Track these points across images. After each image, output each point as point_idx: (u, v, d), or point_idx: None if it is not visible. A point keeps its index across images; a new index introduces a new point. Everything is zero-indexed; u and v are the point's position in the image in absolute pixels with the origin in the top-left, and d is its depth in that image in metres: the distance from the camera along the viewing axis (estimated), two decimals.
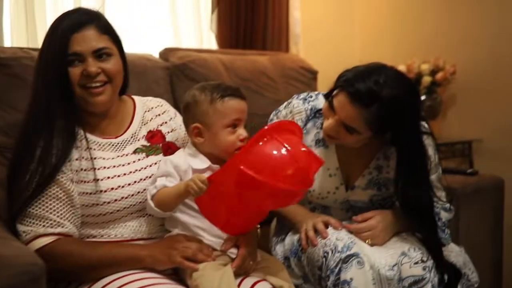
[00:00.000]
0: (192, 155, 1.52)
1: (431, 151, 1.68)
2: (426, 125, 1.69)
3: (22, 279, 1.17)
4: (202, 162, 1.51)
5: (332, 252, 1.57)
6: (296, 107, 1.77)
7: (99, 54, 1.48)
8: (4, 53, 1.89)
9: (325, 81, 2.65)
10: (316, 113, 1.76)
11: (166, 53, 2.47)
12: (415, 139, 1.62)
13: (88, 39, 1.48)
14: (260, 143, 1.37)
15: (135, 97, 1.72)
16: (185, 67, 2.39)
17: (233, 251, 1.51)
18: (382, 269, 1.56)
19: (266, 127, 1.40)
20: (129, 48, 1.67)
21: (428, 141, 1.68)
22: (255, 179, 1.31)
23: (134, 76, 1.88)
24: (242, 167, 1.33)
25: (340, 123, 1.58)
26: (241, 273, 1.49)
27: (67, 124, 1.49)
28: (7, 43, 2.41)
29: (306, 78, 2.80)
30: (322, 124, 1.71)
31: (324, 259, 1.57)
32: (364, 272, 1.54)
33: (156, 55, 2.47)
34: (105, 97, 1.52)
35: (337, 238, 1.60)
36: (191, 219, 1.49)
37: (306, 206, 1.83)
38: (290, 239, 1.76)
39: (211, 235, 1.50)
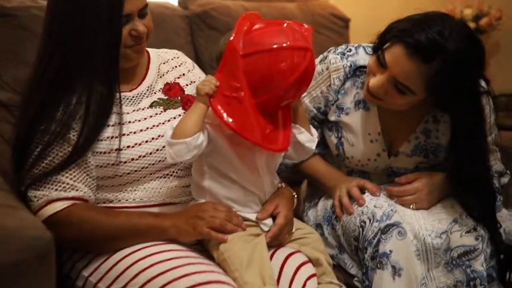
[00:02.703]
0: None
1: (487, 110, 1.58)
2: (484, 84, 1.58)
3: (27, 255, 1.08)
4: None
5: (369, 221, 1.51)
6: (333, 64, 1.66)
7: (142, 13, 1.43)
8: (9, 2, 1.80)
9: (358, 30, 2.70)
10: (356, 71, 1.65)
11: (185, 1, 2.39)
12: (474, 101, 1.50)
13: None
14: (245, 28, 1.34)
15: (149, 49, 1.63)
16: (206, 15, 2.31)
17: (266, 222, 1.43)
18: (428, 237, 1.49)
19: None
20: None
21: (485, 100, 1.57)
22: (259, 51, 1.27)
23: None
24: (240, 45, 1.29)
25: (391, 81, 1.46)
26: (274, 245, 1.42)
27: (109, 91, 1.42)
28: None
29: (337, 26, 2.71)
30: (362, 83, 1.62)
31: (361, 229, 1.52)
32: (406, 243, 1.47)
33: (175, 2, 2.40)
34: (143, 50, 1.49)
35: (375, 205, 1.54)
36: (221, 189, 1.40)
37: (342, 169, 1.76)
38: (323, 204, 1.71)
39: (244, 206, 1.42)
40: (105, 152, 1.42)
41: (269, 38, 1.30)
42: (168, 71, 1.62)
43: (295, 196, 1.55)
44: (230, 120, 1.29)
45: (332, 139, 1.71)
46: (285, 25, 1.34)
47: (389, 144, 1.67)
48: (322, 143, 1.75)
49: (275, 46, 1.28)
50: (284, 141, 1.34)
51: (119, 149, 1.41)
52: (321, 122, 1.73)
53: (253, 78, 1.29)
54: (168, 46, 1.75)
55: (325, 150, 1.77)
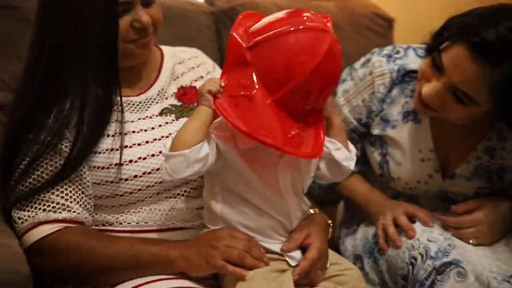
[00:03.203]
0: None
1: None
2: None
3: None
4: None
5: (422, 258, 1.36)
6: (378, 67, 1.52)
7: (147, 0, 1.30)
8: None
9: (402, 31, 2.54)
10: (404, 76, 1.51)
11: None
12: None
13: None
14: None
15: (164, 47, 1.52)
16: (233, 12, 2.14)
17: (294, 255, 1.25)
18: (493, 280, 1.35)
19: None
20: None
21: None
22: (267, 38, 1.14)
23: (171, 23, 1.79)
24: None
25: (449, 88, 1.32)
26: (304, 284, 1.25)
27: (106, 95, 1.30)
28: None
29: (380, 27, 2.54)
30: (412, 91, 1.49)
31: (410, 266, 1.38)
32: (466, 287, 1.33)
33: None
34: (151, 46, 1.36)
35: (429, 238, 1.39)
36: (237, 215, 1.24)
37: (387, 191, 1.62)
38: (364, 232, 1.59)
39: (265, 236, 1.25)
40: (103, 167, 1.29)
41: (279, 23, 1.16)
42: (184, 72, 1.49)
43: (331, 224, 1.40)
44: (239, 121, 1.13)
45: (375, 156, 1.57)
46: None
47: (443, 164, 1.53)
48: (363, 160, 1.63)
49: (286, 29, 1.13)
50: (315, 147, 1.17)
51: (119, 164, 1.28)
52: (362, 136, 1.60)
53: (264, 71, 1.14)
54: (190, 45, 1.65)
55: (366, 168, 1.65)
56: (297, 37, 1.13)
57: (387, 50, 1.55)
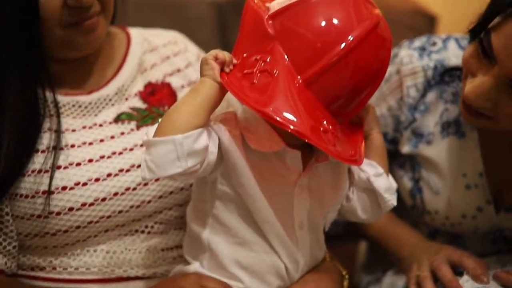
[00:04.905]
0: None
1: None
2: None
3: None
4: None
5: None
6: (408, 64, 1.31)
7: None
8: None
9: (447, 31, 2.39)
10: (444, 75, 1.29)
11: None
12: None
13: None
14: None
15: (133, 30, 1.30)
16: (240, 3, 1.97)
17: None
18: None
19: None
20: None
21: None
22: (295, 4, 0.96)
23: (166, 13, 1.72)
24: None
25: (505, 82, 1.07)
26: None
27: (30, 94, 1.08)
28: None
29: (421, 25, 2.37)
30: (454, 94, 1.29)
31: None
32: None
33: None
34: (100, 32, 1.13)
35: None
36: (229, 246, 1.03)
37: (421, 229, 1.42)
38: (391, 282, 1.40)
39: (259, 279, 1.04)
40: (27, 196, 1.05)
41: None
42: (155, 64, 1.25)
43: (346, 276, 1.18)
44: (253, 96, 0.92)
45: (405, 182, 1.36)
46: None
47: (497, 193, 1.31)
48: None
49: None
50: (356, 151, 0.99)
51: (49, 192, 1.04)
52: (389, 155, 1.36)
53: (292, 45, 0.95)
54: (189, 38, 1.49)
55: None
56: (334, 3, 0.95)
57: (420, 41, 1.34)
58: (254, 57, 0.95)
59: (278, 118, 0.86)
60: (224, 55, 0.94)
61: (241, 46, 0.98)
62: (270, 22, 0.95)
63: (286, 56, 0.95)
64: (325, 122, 0.94)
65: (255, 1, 0.99)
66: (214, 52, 0.94)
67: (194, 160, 0.89)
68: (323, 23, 0.93)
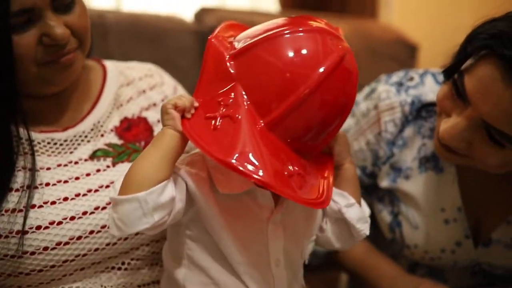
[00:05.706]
0: None
1: None
2: None
3: None
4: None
5: None
6: (385, 99, 1.30)
7: (62, 4, 1.05)
8: None
9: (426, 61, 2.36)
10: (420, 111, 1.29)
11: (201, 15, 2.07)
12: None
13: None
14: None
15: (109, 63, 1.27)
16: None
17: None
18: None
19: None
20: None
21: None
22: (258, 43, 0.93)
23: (147, 43, 1.70)
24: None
25: (478, 125, 1.07)
26: None
27: (4, 132, 1.06)
28: None
29: (402, 56, 2.42)
30: (431, 129, 1.28)
31: None
32: None
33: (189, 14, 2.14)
34: (76, 66, 1.10)
35: None
36: (204, 286, 1.00)
37: (401, 261, 1.41)
38: None
39: None
40: (0, 235, 1.02)
41: (272, 26, 0.95)
42: (131, 98, 1.23)
43: None
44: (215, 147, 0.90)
45: (384, 216, 1.34)
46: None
47: (475, 227, 1.30)
48: (370, 220, 1.37)
49: (283, 30, 0.93)
50: (323, 193, 0.95)
51: (22, 231, 1.01)
52: (367, 189, 1.38)
53: (253, 86, 0.92)
54: (168, 69, 1.46)
55: (374, 232, 1.36)
56: (297, 40, 0.91)
57: (397, 76, 1.33)
58: (216, 100, 0.93)
59: (241, 168, 0.84)
60: (183, 101, 0.92)
61: (203, 86, 0.96)
62: (232, 62, 0.94)
63: (247, 98, 0.93)
64: (290, 166, 0.92)
65: (218, 38, 0.97)
66: (173, 100, 0.92)
67: (160, 213, 0.89)
68: (285, 64, 0.91)
